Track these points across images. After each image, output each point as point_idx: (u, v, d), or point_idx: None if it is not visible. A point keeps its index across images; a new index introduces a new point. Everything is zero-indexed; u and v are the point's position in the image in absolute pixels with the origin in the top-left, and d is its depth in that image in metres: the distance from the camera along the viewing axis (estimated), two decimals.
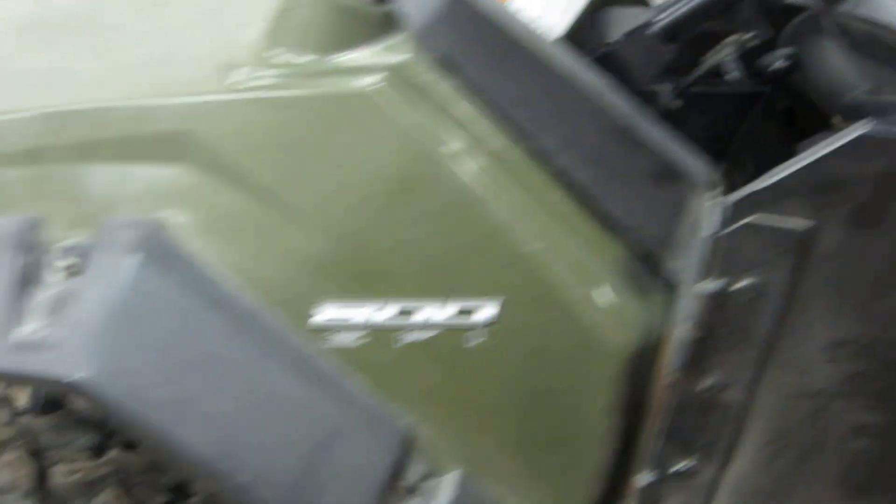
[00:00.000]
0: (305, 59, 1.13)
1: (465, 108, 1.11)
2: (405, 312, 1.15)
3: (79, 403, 1.76)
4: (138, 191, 1.13)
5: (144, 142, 1.12)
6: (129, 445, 1.58)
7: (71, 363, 1.03)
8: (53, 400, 1.73)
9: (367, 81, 1.10)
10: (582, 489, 1.26)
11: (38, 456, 1.45)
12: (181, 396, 1.07)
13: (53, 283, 1.10)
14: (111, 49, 1.23)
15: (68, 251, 1.11)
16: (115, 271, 1.07)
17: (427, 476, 1.21)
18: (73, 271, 1.10)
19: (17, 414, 1.52)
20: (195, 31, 1.24)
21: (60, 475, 1.43)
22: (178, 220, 1.12)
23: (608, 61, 1.28)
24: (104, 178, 1.14)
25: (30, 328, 1.07)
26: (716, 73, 1.39)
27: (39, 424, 1.51)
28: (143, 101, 1.13)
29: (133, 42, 1.24)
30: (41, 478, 1.42)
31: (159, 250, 1.09)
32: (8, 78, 1.21)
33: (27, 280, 1.09)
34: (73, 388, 1.03)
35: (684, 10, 1.28)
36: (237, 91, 1.12)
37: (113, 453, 1.52)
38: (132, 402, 1.05)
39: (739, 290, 1.11)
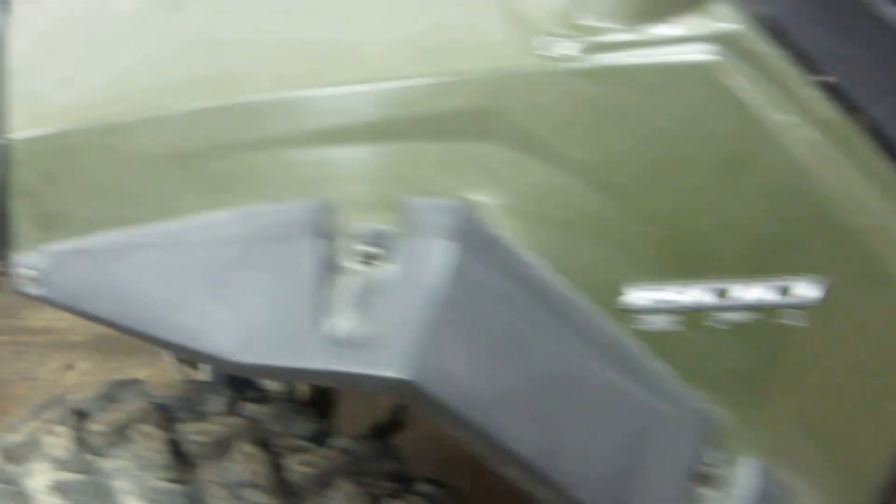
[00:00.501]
0: (620, 26, 1.04)
1: (795, 76, 1.02)
2: (722, 293, 1.07)
3: (265, 384, 1.70)
4: (437, 171, 1.05)
5: (445, 119, 1.03)
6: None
7: (399, 361, 0.96)
8: (237, 377, 1.66)
9: (702, 52, 1.01)
10: (876, 475, 1.19)
11: (267, 446, 1.38)
12: (509, 392, 1.00)
13: (356, 271, 1.02)
14: (390, 21, 1.13)
15: (367, 237, 1.03)
16: (431, 259, 0.99)
17: (726, 463, 1.15)
18: (375, 258, 1.03)
19: (233, 402, 1.46)
20: None
21: (295, 467, 1.37)
22: (484, 200, 1.04)
23: None
24: (398, 158, 1.05)
25: (342, 321, 0.99)
26: None
27: (260, 413, 1.45)
28: (444, 77, 1.04)
29: (413, 12, 1.14)
30: (277, 470, 1.35)
31: (476, 235, 1.01)
32: (284, 54, 1.11)
33: (328, 268, 1.02)
34: (403, 388, 0.96)
35: None
36: (547, 61, 1.03)
37: (339, 441, 1.46)
38: (461, 399, 0.98)
39: None
